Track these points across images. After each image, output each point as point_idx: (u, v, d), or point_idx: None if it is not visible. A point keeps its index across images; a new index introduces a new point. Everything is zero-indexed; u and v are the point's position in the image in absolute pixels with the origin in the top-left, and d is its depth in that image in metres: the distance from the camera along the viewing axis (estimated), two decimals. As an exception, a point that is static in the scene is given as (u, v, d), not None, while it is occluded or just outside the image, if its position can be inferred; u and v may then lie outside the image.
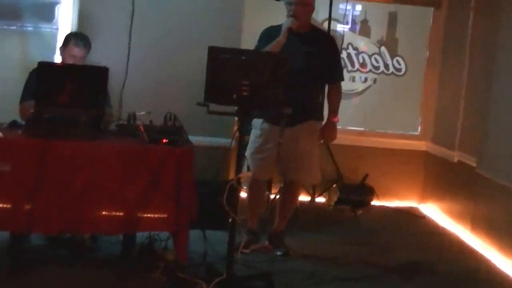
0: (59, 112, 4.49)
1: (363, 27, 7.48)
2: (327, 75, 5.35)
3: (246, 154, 5.18)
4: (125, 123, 4.87)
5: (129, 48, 5.91)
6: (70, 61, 5.12)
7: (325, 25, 6.72)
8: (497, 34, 6.08)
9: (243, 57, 4.42)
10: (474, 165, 6.25)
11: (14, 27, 5.94)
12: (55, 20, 6.07)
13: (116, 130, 4.87)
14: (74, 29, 5.92)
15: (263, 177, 5.44)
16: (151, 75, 6.11)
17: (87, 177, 4.43)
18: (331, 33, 6.46)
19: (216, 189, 5.08)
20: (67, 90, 4.58)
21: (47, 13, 6.04)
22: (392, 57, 7.47)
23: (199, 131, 5.55)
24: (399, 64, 7.49)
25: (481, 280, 5.29)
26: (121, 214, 4.50)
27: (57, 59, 5.53)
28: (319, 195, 6.94)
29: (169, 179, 4.53)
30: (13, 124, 4.74)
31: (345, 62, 7.32)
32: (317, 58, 5.23)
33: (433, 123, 7.40)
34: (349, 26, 7.39)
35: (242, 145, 4.54)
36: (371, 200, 6.94)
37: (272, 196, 6.11)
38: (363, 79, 7.47)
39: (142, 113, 4.85)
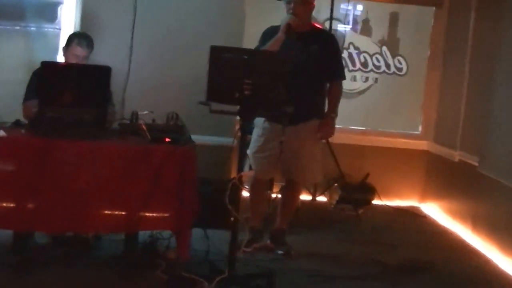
0: (62, 111, 4.50)
1: (364, 27, 7.49)
2: (328, 74, 5.35)
3: (248, 153, 5.19)
4: (128, 122, 4.88)
5: (131, 47, 5.93)
6: (73, 60, 5.13)
7: (327, 24, 6.73)
8: (499, 33, 6.09)
9: (245, 56, 4.42)
10: (476, 164, 6.25)
11: (18, 27, 5.97)
12: (58, 20, 6.09)
13: (119, 129, 4.88)
14: (77, 29, 5.94)
15: (265, 176, 5.45)
16: (154, 75, 6.13)
17: (90, 176, 4.45)
18: (333, 33, 6.46)
19: (218, 188, 5.09)
20: (70, 89, 4.59)
21: (50, 14, 6.07)
22: (393, 57, 7.48)
23: (201, 130, 5.57)
24: (401, 63, 7.50)
25: (482, 279, 5.29)
26: (123, 213, 4.52)
27: (60, 59, 5.54)
28: (321, 194, 6.96)
29: (172, 178, 4.55)
30: (17, 124, 4.76)
31: (346, 62, 7.33)
32: (318, 56, 5.23)
33: (435, 122, 7.40)
34: (350, 26, 7.40)
35: (244, 144, 4.55)
36: (372, 199, 6.96)
37: (273, 195, 6.11)
38: (364, 78, 7.48)
39: (145, 112, 4.87)
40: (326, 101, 5.48)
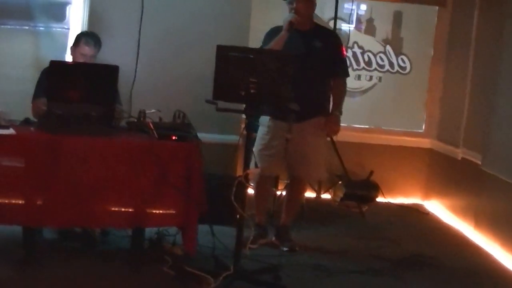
0: (71, 109, 4.52)
1: (368, 26, 7.50)
2: (331, 71, 5.37)
3: (253, 150, 5.21)
4: (135, 120, 4.91)
5: (138, 46, 5.94)
6: (81, 59, 5.15)
7: (331, 24, 6.75)
8: (502, 32, 6.09)
9: (251, 55, 4.45)
10: (479, 162, 6.26)
11: (27, 27, 5.98)
12: (66, 20, 6.10)
13: (126, 127, 4.91)
14: (85, 28, 5.95)
15: (270, 173, 5.48)
16: (160, 73, 6.14)
17: (98, 172, 4.48)
18: (337, 32, 6.48)
19: (224, 185, 5.11)
20: (78, 88, 4.61)
21: (58, 13, 6.08)
22: (397, 56, 7.49)
23: (207, 128, 5.59)
24: (404, 62, 7.51)
25: (484, 275, 5.31)
26: (131, 209, 4.56)
27: (68, 58, 5.56)
28: (325, 191, 6.98)
29: (179, 175, 4.58)
30: (26, 122, 4.79)
31: (350, 61, 7.34)
32: (321, 54, 5.25)
33: (438, 120, 7.41)
34: (354, 25, 7.41)
35: (249, 142, 4.58)
36: (376, 196, 6.97)
37: (278, 192, 6.13)
38: (368, 77, 7.49)
39: (152, 111, 4.89)
40: (330, 99, 5.52)
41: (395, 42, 7.51)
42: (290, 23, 5.12)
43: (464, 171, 6.66)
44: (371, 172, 6.97)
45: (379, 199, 7.03)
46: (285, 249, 5.36)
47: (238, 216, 4.51)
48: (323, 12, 7.11)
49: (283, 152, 5.11)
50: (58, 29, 6.06)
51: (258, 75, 4.31)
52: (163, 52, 6.16)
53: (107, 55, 5.47)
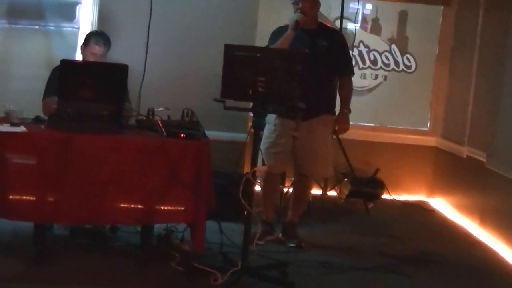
0: (81, 107, 4.54)
1: (374, 26, 7.50)
2: (337, 69, 5.38)
3: (260, 148, 5.21)
4: (144, 118, 4.92)
5: (147, 46, 5.96)
6: (91, 58, 5.16)
7: (337, 23, 6.75)
8: (507, 31, 6.08)
9: (258, 54, 4.45)
10: (484, 160, 6.25)
11: (37, 27, 6.01)
12: (76, 19, 6.12)
13: (136, 125, 4.92)
14: (95, 28, 5.97)
15: (277, 171, 5.48)
16: (169, 72, 6.15)
17: (108, 169, 4.49)
18: (343, 32, 6.48)
19: (232, 182, 5.13)
20: (89, 86, 4.61)
21: (69, 13, 6.10)
22: (402, 55, 7.49)
23: (216, 126, 5.60)
24: (409, 61, 7.51)
25: (489, 271, 5.31)
26: (141, 205, 4.56)
27: (78, 57, 5.57)
28: (331, 188, 6.98)
29: (187, 172, 4.58)
30: (37, 120, 4.81)
31: (356, 60, 7.35)
32: (327, 52, 5.25)
33: (443, 118, 7.40)
34: (360, 25, 7.41)
35: (257, 140, 4.58)
36: (382, 193, 6.96)
37: (285, 189, 6.14)
38: (374, 76, 7.49)
39: (161, 109, 4.90)
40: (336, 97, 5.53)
41: (400, 41, 7.50)
42: (296, 23, 5.13)
43: (469, 169, 6.65)
44: (377, 170, 6.97)
45: (385, 196, 7.03)
46: (291, 245, 5.36)
47: (245, 213, 4.51)
48: (329, 11, 7.12)
49: (290, 150, 5.10)
50: (68, 29, 6.08)
51: (265, 74, 4.32)
52: (171, 51, 6.17)
53: (116, 54, 5.49)
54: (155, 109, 4.89)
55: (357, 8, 7.18)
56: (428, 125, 7.56)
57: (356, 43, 7.32)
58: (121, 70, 4.72)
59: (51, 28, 6.02)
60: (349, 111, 5.42)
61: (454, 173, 7.02)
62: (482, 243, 6.01)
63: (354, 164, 6.77)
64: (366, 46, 7.44)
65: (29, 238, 4.79)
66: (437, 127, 7.47)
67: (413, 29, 7.51)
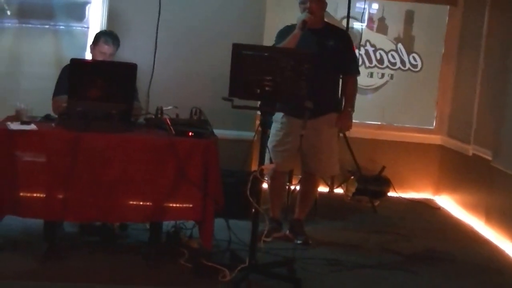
0: (90, 106, 4.53)
1: (380, 25, 7.48)
2: (342, 68, 5.38)
3: (267, 146, 5.20)
4: (153, 117, 4.91)
5: (156, 45, 5.95)
6: (100, 58, 5.16)
7: (344, 23, 6.73)
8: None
9: (266, 54, 4.44)
10: (489, 158, 6.23)
11: (48, 26, 6.01)
12: (85, 19, 6.12)
13: (144, 124, 4.92)
14: (104, 27, 5.97)
15: (284, 169, 5.47)
16: (177, 71, 6.15)
17: (117, 167, 4.48)
18: (349, 31, 6.48)
19: (240, 180, 5.12)
20: (98, 85, 4.61)
21: (78, 13, 6.11)
22: (408, 54, 7.48)
23: (223, 125, 5.59)
24: (415, 60, 7.50)
25: (494, 269, 5.29)
26: (150, 203, 4.55)
27: (88, 56, 5.57)
28: (338, 186, 6.97)
29: (196, 170, 4.57)
30: (47, 118, 4.81)
31: (363, 59, 7.35)
32: (333, 52, 5.25)
33: (449, 117, 7.39)
34: (366, 24, 7.40)
35: (264, 138, 4.57)
36: (388, 191, 6.96)
37: (292, 187, 6.13)
38: (380, 75, 7.48)
39: (169, 107, 4.89)
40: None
41: (406, 41, 7.49)
42: (304, 22, 5.12)
43: (474, 167, 6.63)
44: (383, 168, 6.96)
45: (391, 193, 7.01)
46: (299, 242, 5.35)
47: (253, 210, 4.50)
48: (336, 11, 7.12)
49: (297, 148, 5.10)
50: (78, 28, 6.09)
51: (273, 73, 4.30)
52: (180, 50, 6.17)
53: (125, 53, 5.50)
54: (164, 108, 4.88)
55: (364, 8, 7.16)
56: (434, 124, 7.55)
57: (362, 43, 7.31)
58: (130, 69, 4.71)
59: (61, 27, 6.03)
60: (353, 109, 5.43)
61: (460, 171, 7.00)
62: (488, 241, 6.00)
63: (360, 162, 6.76)
64: (372, 45, 7.43)
65: (39, 235, 4.80)
66: (443, 125, 7.45)
67: (419, 28, 7.50)
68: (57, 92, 5.06)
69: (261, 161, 4.52)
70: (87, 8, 6.11)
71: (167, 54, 6.07)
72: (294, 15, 5.28)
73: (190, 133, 4.66)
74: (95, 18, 6.10)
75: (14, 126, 4.46)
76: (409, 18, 7.48)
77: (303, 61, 4.36)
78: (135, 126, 4.80)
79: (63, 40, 6.01)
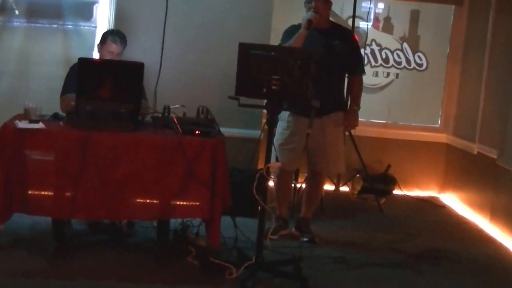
0: (98, 105, 4.52)
1: (386, 24, 7.47)
2: (348, 68, 5.37)
3: (274, 145, 5.19)
4: (160, 115, 4.90)
5: (163, 44, 5.94)
6: (107, 57, 5.15)
7: (350, 22, 6.72)
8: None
9: (272, 53, 4.42)
10: (494, 156, 6.21)
11: (56, 26, 6.01)
12: (93, 18, 6.12)
13: (152, 122, 4.90)
14: (111, 26, 5.96)
15: (290, 167, 5.45)
16: (184, 70, 6.14)
17: (126, 166, 4.47)
18: (355, 30, 6.46)
19: (246, 178, 5.10)
20: (105, 84, 4.60)
21: (86, 12, 6.10)
22: (414, 53, 7.47)
23: (230, 123, 5.58)
24: (421, 59, 7.48)
25: (499, 267, 5.28)
26: (158, 201, 4.53)
27: (95, 55, 5.57)
28: (343, 184, 6.96)
29: (204, 168, 4.55)
30: (55, 117, 4.80)
31: (368, 58, 7.34)
32: (339, 51, 5.23)
33: (454, 116, 7.37)
34: (372, 23, 7.38)
35: (271, 136, 4.56)
36: (393, 189, 6.94)
37: (298, 185, 6.12)
38: (385, 74, 7.47)
39: (176, 106, 4.88)
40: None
41: (412, 40, 7.48)
42: (310, 22, 5.10)
43: (479, 166, 6.62)
44: (388, 166, 6.94)
45: (396, 192, 6.99)
46: (305, 239, 5.34)
47: (259, 208, 4.48)
48: (342, 10, 7.11)
49: (303, 146, 5.09)
50: (85, 28, 6.08)
51: (279, 72, 4.29)
52: (187, 49, 6.16)
53: (132, 53, 5.49)
54: (171, 106, 4.87)
55: (370, 7, 7.15)
56: (439, 122, 7.53)
57: (368, 42, 7.30)
58: (137, 68, 4.70)
59: (69, 27, 6.02)
60: (359, 108, 5.41)
61: (465, 170, 6.98)
62: (493, 239, 5.98)
63: (366, 160, 6.74)
64: (378, 45, 7.42)
65: (48, 233, 4.80)
66: (448, 124, 7.44)
67: (425, 28, 7.49)
68: (65, 90, 5.05)
69: (267, 160, 4.51)
70: (94, 7, 6.11)
71: (174, 53, 6.06)
72: (301, 16, 5.26)
73: (197, 132, 4.64)
74: (103, 18, 6.10)
75: (23, 124, 4.45)
76: (415, 17, 7.47)
77: (310, 60, 4.34)
78: (143, 125, 4.79)
79: (71, 40, 6.00)
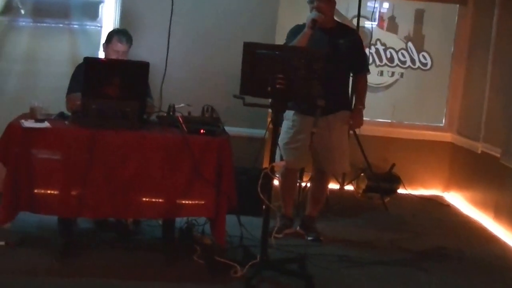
0: (104, 104, 4.51)
1: (390, 24, 7.45)
2: (353, 67, 5.36)
3: (279, 144, 5.18)
4: (165, 114, 4.89)
5: (168, 43, 5.91)
6: (113, 56, 5.14)
7: (354, 22, 6.70)
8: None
9: (277, 52, 4.41)
10: (498, 155, 6.20)
11: (62, 25, 6.01)
12: (99, 18, 6.12)
13: (157, 121, 4.90)
14: (117, 26, 5.96)
15: (295, 166, 5.44)
16: (190, 69, 6.14)
17: (132, 164, 4.46)
18: (360, 30, 6.45)
19: (251, 177, 5.09)
20: (111, 83, 4.59)
21: (92, 12, 6.10)
22: (418, 52, 7.45)
23: (235, 123, 5.56)
24: (425, 59, 7.47)
25: (503, 265, 5.27)
26: (164, 200, 4.52)
27: (101, 54, 5.56)
28: (348, 183, 6.94)
29: (210, 167, 4.55)
30: (61, 116, 4.79)
31: (373, 57, 7.32)
32: (344, 50, 5.22)
33: (458, 115, 7.35)
34: (377, 23, 7.37)
35: (275, 135, 4.54)
36: (397, 188, 6.92)
37: (303, 184, 6.10)
38: (390, 73, 7.45)
39: (181, 105, 4.87)
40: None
41: (416, 39, 7.46)
42: (314, 21, 5.09)
43: (483, 165, 6.60)
44: (393, 165, 6.92)
45: (401, 190, 6.98)
46: (310, 238, 5.33)
47: (264, 207, 4.47)
48: (347, 10, 7.09)
49: (308, 145, 5.07)
50: (91, 27, 6.08)
51: (284, 71, 4.27)
52: (192, 48, 6.16)
53: (138, 52, 5.48)
54: (176, 105, 4.86)
55: (374, 7, 7.15)
56: (444, 121, 7.51)
57: (373, 41, 7.28)
58: (143, 67, 4.70)
59: (75, 26, 6.02)
60: (364, 107, 5.40)
61: (469, 169, 6.96)
62: (497, 237, 5.96)
63: (371, 159, 6.73)
64: (383, 44, 7.40)
65: (55, 231, 4.80)
66: (453, 123, 7.42)
67: (430, 27, 7.47)
68: (71, 90, 5.05)
69: (272, 159, 4.49)
70: (100, 7, 6.11)
71: (179, 52, 6.04)
72: (306, 15, 5.25)
73: (202, 131, 4.63)
74: (109, 17, 6.10)
75: (28, 123, 4.45)
76: (419, 17, 7.45)
77: (315, 59, 4.33)
78: (150, 124, 4.78)
79: (77, 39, 6.00)
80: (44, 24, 5.99)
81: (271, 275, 4.45)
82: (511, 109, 6.07)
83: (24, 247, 4.60)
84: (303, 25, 5.18)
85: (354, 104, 5.43)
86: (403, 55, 7.45)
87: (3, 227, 4.52)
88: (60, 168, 4.40)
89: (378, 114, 7.30)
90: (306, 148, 5.15)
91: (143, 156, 4.48)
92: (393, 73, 7.46)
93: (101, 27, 6.09)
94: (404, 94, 7.49)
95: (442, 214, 6.68)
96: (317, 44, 5.07)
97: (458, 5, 7.37)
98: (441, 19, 7.50)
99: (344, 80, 5.38)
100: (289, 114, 5.26)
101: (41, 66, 5.95)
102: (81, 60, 4.75)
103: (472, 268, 5.13)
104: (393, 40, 7.43)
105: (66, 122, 4.62)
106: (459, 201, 7.05)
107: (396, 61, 7.44)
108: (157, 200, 4.53)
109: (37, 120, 4.51)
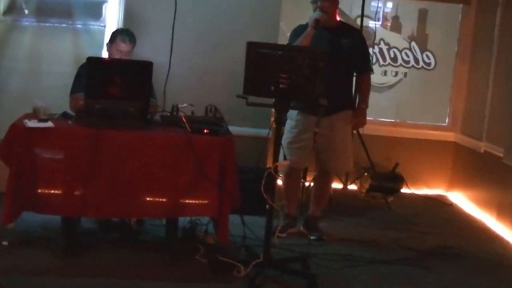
0: (108, 103, 4.50)
1: (394, 24, 7.43)
2: (356, 66, 5.35)
3: (282, 143, 5.16)
4: (168, 114, 4.88)
5: (172, 43, 5.90)
6: (117, 56, 5.13)
7: (358, 21, 6.69)
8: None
9: (280, 52, 4.39)
10: (501, 155, 6.19)
11: (65, 25, 6.00)
12: (102, 17, 6.11)
13: (161, 121, 4.88)
14: (121, 26, 5.95)
15: (299, 166, 5.43)
16: (194, 69, 6.14)
17: (135, 164, 4.44)
18: (364, 30, 6.43)
19: (255, 176, 5.07)
20: (115, 83, 4.58)
21: (95, 12, 6.09)
22: (422, 52, 7.43)
23: (239, 122, 5.56)
24: (429, 58, 7.44)
25: (506, 264, 5.25)
26: (168, 199, 4.51)
27: (105, 54, 5.55)
28: (352, 182, 6.93)
29: (213, 167, 4.53)
30: (64, 115, 4.78)
31: (377, 57, 7.31)
32: (347, 50, 5.21)
33: (462, 114, 7.33)
34: (380, 23, 7.35)
35: (279, 135, 4.53)
36: (401, 187, 6.90)
37: (307, 184, 6.09)
38: (394, 73, 7.43)
39: (185, 105, 4.86)
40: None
41: (420, 39, 7.44)
42: (317, 21, 5.08)
43: (486, 164, 6.59)
44: (396, 164, 6.90)
45: (404, 190, 6.96)
46: (313, 237, 5.32)
47: (267, 206, 4.45)
48: (351, 10, 7.08)
49: (311, 145, 5.07)
50: (95, 27, 6.07)
51: (287, 71, 4.26)
52: (196, 48, 6.15)
53: (142, 52, 5.47)
54: (180, 105, 4.85)
55: (378, 7, 7.12)
56: (447, 121, 7.49)
57: (376, 41, 7.26)
58: (146, 67, 4.68)
59: (79, 26, 6.01)
60: (367, 106, 5.39)
61: (472, 168, 6.94)
62: (500, 236, 5.95)
63: (374, 159, 6.72)
64: (386, 44, 7.38)
65: (58, 231, 4.78)
66: (456, 123, 7.40)
67: (433, 27, 7.45)
68: (74, 89, 5.03)
69: (276, 158, 4.47)
70: (104, 7, 6.10)
71: (183, 52, 6.03)
72: (309, 15, 5.23)
73: (205, 131, 4.61)
74: (112, 17, 6.09)
75: (31, 123, 4.43)
76: (423, 16, 7.43)
77: (318, 59, 4.31)
78: (153, 123, 4.77)
79: (81, 39, 5.99)
80: (48, 24, 5.98)
81: (274, 275, 4.44)
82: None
83: (27, 247, 4.60)
84: (306, 25, 5.17)
85: (358, 104, 5.42)
86: (406, 54, 7.43)
87: (7, 227, 4.50)
88: (64, 168, 4.38)
89: (381, 114, 7.29)
90: (309, 148, 5.14)
91: (147, 156, 4.46)
92: (396, 73, 7.44)
93: (104, 26, 6.08)
94: (407, 93, 7.48)
95: (445, 214, 6.66)
96: (320, 43, 5.05)
97: (461, 5, 7.34)
98: (445, 18, 7.48)
99: (347, 79, 5.37)
100: (292, 114, 5.25)
101: (44, 65, 5.95)
102: (84, 60, 4.72)
103: (475, 267, 5.11)
104: (397, 40, 7.41)
105: (70, 122, 4.61)
106: (462, 200, 7.03)
107: (400, 61, 7.42)
108: (160, 199, 4.51)
109: (41, 120, 4.50)
